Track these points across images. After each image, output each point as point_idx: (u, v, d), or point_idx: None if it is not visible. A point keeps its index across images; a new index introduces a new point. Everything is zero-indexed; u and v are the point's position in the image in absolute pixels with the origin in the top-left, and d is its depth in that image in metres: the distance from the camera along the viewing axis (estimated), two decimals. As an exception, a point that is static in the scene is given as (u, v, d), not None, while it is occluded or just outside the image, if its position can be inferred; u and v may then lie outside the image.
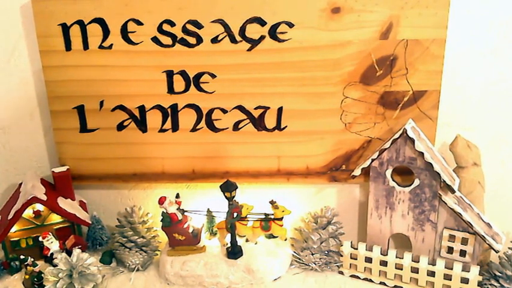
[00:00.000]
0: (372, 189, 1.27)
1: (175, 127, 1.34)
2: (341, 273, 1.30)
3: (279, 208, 1.29)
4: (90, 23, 1.26)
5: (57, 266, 1.20)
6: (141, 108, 1.33)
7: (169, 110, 1.33)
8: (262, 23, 1.23)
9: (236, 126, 1.33)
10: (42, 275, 1.23)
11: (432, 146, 1.24)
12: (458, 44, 1.24)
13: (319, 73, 1.26)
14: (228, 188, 1.22)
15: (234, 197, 1.24)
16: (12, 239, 1.31)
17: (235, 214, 1.25)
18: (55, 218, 1.34)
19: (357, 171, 1.28)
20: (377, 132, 1.31)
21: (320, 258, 1.29)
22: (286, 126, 1.32)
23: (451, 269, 1.18)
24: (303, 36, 1.23)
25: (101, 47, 1.28)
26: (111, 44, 1.28)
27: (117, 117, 1.34)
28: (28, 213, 1.31)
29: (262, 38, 1.25)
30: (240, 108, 1.31)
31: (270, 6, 1.22)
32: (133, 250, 1.32)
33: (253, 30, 1.24)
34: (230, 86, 1.29)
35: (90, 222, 1.36)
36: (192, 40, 1.26)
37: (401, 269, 1.23)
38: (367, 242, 1.30)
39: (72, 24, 1.27)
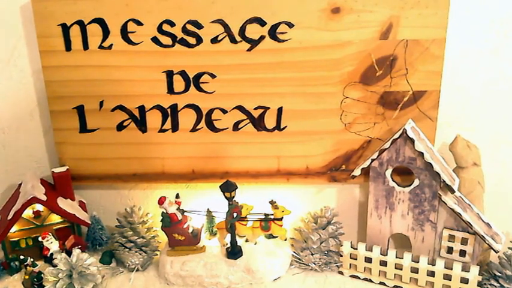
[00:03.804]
0: (371, 190, 1.27)
1: (175, 127, 1.34)
2: (341, 273, 1.30)
3: (278, 208, 1.29)
4: (90, 23, 1.26)
5: (56, 266, 1.20)
6: (141, 109, 1.33)
7: (169, 110, 1.33)
8: (262, 23, 1.23)
9: (236, 127, 1.33)
10: (42, 275, 1.23)
11: (432, 146, 1.24)
12: (458, 44, 1.25)
13: (319, 73, 1.26)
14: (228, 188, 1.22)
15: (233, 197, 1.24)
16: (11, 239, 1.31)
17: (235, 214, 1.25)
18: (55, 218, 1.34)
19: (357, 172, 1.28)
20: (377, 133, 1.31)
21: (320, 259, 1.29)
22: (286, 127, 1.32)
23: (451, 269, 1.18)
24: (303, 36, 1.24)
25: (100, 47, 1.28)
26: (111, 44, 1.28)
27: (117, 117, 1.34)
28: (28, 213, 1.31)
29: (262, 38, 1.25)
30: (240, 108, 1.31)
31: (270, 7, 1.22)
32: (133, 250, 1.32)
33: (253, 31, 1.24)
34: (230, 86, 1.29)
35: (89, 222, 1.36)
36: (192, 40, 1.26)
37: (401, 269, 1.23)
38: (367, 242, 1.30)
39: (72, 25, 1.27)
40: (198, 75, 1.29)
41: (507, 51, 1.25)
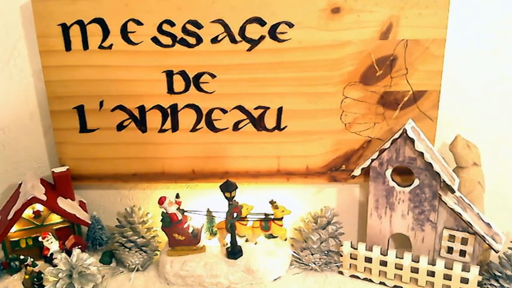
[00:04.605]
0: (371, 189, 1.27)
1: (175, 127, 1.34)
2: (341, 273, 1.30)
3: (278, 208, 1.29)
4: (90, 23, 1.26)
5: (57, 266, 1.20)
6: (141, 108, 1.33)
7: (169, 110, 1.33)
8: (262, 23, 1.23)
9: (236, 126, 1.33)
10: (42, 275, 1.23)
11: (432, 146, 1.24)
12: (458, 44, 1.25)
13: (319, 73, 1.26)
14: (228, 188, 1.22)
15: (233, 197, 1.24)
16: (12, 239, 1.31)
17: (235, 214, 1.25)
18: (55, 218, 1.34)
19: (357, 171, 1.28)
20: (377, 132, 1.31)
21: (320, 258, 1.29)
22: (286, 126, 1.32)
23: (451, 269, 1.18)
24: (303, 36, 1.24)
25: (100, 47, 1.28)
26: (111, 44, 1.28)
27: (117, 117, 1.34)
28: (28, 213, 1.31)
29: (262, 38, 1.25)
30: (240, 108, 1.31)
31: (270, 6, 1.22)
32: (133, 250, 1.32)
33: (253, 30, 1.24)
34: (230, 86, 1.29)
35: (89, 222, 1.36)
36: (192, 40, 1.26)
37: (401, 269, 1.23)
38: (367, 242, 1.30)
39: (72, 24, 1.27)
40: (198, 75, 1.29)
41: (507, 51, 1.25)
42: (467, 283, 1.17)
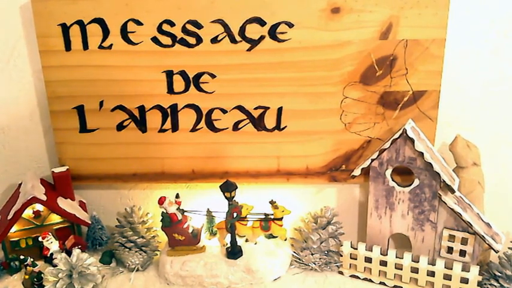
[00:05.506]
0: (371, 189, 1.27)
1: (175, 127, 1.34)
2: (341, 273, 1.30)
3: (278, 208, 1.29)
4: (89, 23, 1.26)
5: (56, 266, 1.20)
6: (141, 108, 1.33)
7: (169, 110, 1.33)
8: (262, 23, 1.23)
9: (236, 126, 1.33)
10: (42, 275, 1.24)
11: (432, 146, 1.24)
12: (458, 44, 1.25)
13: (319, 73, 1.26)
14: (228, 188, 1.22)
15: (233, 197, 1.24)
16: (12, 239, 1.31)
17: (235, 214, 1.25)
18: (55, 218, 1.34)
19: (357, 171, 1.28)
20: (377, 132, 1.31)
21: (320, 258, 1.29)
22: (286, 126, 1.32)
23: (451, 269, 1.18)
24: (303, 36, 1.24)
25: (100, 47, 1.28)
26: (111, 44, 1.28)
27: (117, 117, 1.34)
28: (28, 213, 1.31)
29: (262, 38, 1.25)
30: (240, 108, 1.31)
31: (270, 6, 1.22)
32: (133, 250, 1.32)
33: (253, 30, 1.24)
34: (230, 86, 1.29)
35: (89, 222, 1.36)
36: (191, 40, 1.26)
37: (401, 269, 1.23)
38: (367, 242, 1.30)
39: (71, 24, 1.27)
40: (198, 75, 1.29)
41: (507, 51, 1.25)
42: (467, 283, 1.17)
